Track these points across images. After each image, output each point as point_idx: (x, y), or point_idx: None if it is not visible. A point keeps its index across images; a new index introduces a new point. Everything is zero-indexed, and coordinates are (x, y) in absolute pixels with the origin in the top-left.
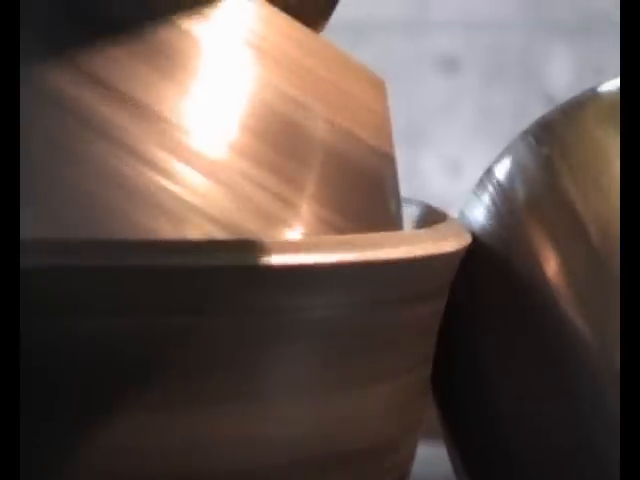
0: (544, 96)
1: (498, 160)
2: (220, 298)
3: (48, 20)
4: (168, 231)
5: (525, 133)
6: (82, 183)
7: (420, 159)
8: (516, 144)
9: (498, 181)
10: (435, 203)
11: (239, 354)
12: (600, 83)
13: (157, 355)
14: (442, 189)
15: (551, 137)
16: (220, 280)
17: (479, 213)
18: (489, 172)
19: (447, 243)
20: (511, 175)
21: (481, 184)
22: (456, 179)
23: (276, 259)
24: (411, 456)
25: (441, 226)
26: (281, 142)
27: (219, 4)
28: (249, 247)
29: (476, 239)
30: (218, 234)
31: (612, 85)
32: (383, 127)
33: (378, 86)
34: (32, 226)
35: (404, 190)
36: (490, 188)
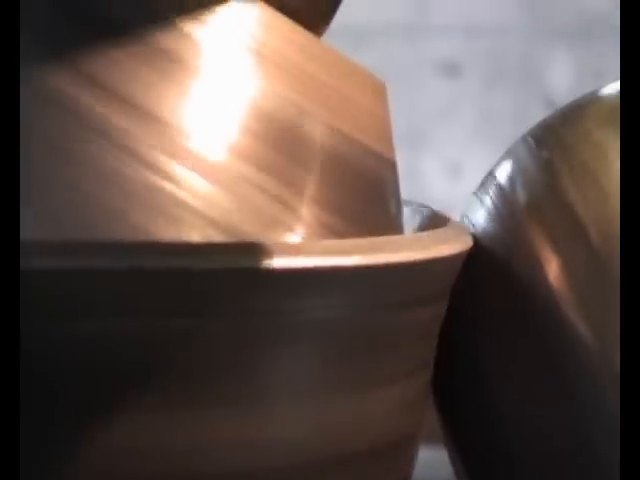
0: (544, 100)
1: (499, 163)
2: (220, 301)
3: (48, 21)
4: (168, 233)
5: (526, 136)
6: (82, 184)
7: (421, 162)
8: (517, 147)
9: (499, 184)
10: (436, 206)
11: (239, 357)
12: (600, 87)
13: (157, 357)
14: (443, 192)
15: (551, 140)
16: (220, 283)
17: (480, 216)
18: (490, 175)
19: (448, 247)
20: (512, 178)
21: (482, 187)
22: (457, 182)
23: (276, 262)
24: (412, 459)
25: (442, 230)
26: (281, 145)
27: (220, 7)
28: (249, 250)
29: (477, 242)
30: (218, 236)
31: (612, 88)
32: (384, 131)
33: (379, 90)
34: (32, 227)
35: (405, 193)
36: (491, 191)
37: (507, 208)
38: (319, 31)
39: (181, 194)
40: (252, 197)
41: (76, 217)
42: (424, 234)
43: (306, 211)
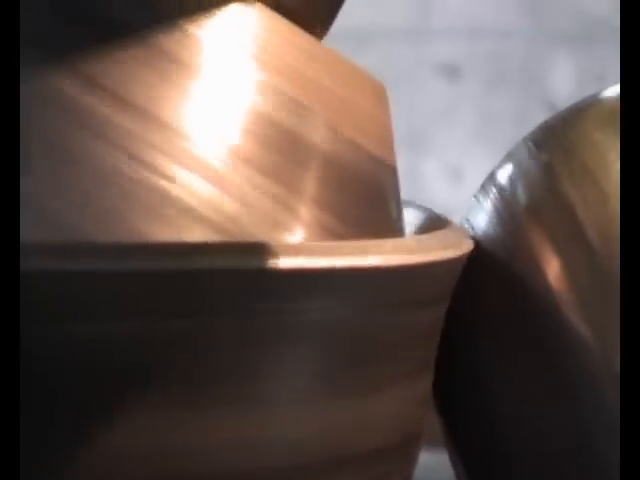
0: (545, 103)
1: (500, 165)
2: (220, 301)
3: (48, 21)
4: (167, 234)
5: (526, 138)
6: (81, 184)
7: (421, 165)
8: (518, 149)
9: (500, 186)
10: (436, 209)
11: (239, 357)
12: (601, 90)
13: (157, 358)
14: (443, 195)
15: (552, 142)
16: (220, 283)
17: (481, 219)
18: (491, 177)
19: (448, 250)
20: (513, 180)
21: (483, 190)
22: (457, 185)
23: (277, 262)
24: (413, 460)
25: (443, 232)
26: (282, 147)
27: (222, 9)
28: (249, 250)
29: (478, 245)
30: (218, 237)
31: (612, 91)
32: (384, 134)
33: (380, 93)
34: (31, 227)
35: (405, 196)
36: (492, 193)
37: (507, 210)
38: (319, 33)
39: (181, 195)
40: (252, 198)
41: (76, 218)
42: (425, 237)
43: (306, 212)
